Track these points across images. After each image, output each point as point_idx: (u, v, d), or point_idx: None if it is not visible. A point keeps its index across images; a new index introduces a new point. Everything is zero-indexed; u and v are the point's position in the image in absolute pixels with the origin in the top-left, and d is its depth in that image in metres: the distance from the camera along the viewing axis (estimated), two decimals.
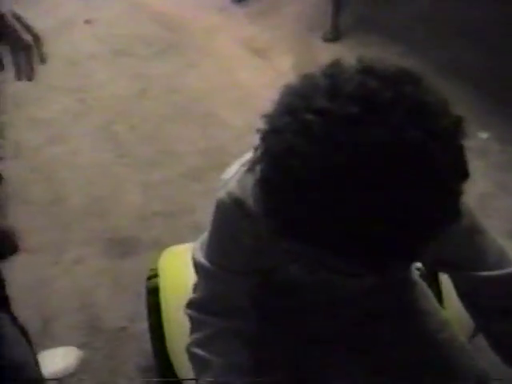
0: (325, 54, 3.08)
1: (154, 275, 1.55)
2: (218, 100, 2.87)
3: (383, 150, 0.65)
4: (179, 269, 1.39)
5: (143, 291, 1.92)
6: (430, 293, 1.24)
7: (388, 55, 2.97)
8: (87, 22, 3.54)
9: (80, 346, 1.83)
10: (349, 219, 0.67)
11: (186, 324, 1.10)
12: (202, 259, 1.03)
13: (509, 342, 0.95)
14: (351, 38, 3.25)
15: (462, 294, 1.01)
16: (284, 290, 1.12)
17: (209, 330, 1.03)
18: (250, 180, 0.84)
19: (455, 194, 0.72)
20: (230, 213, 0.95)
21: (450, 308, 1.29)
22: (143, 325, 1.87)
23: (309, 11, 3.47)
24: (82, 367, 1.78)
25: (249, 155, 0.85)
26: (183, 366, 1.25)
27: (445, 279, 1.25)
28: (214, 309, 1.03)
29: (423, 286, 1.24)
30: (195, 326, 1.06)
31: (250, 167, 0.78)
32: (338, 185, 0.66)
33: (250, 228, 0.93)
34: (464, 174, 0.73)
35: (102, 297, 2.00)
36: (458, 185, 0.72)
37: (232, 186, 0.95)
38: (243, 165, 0.94)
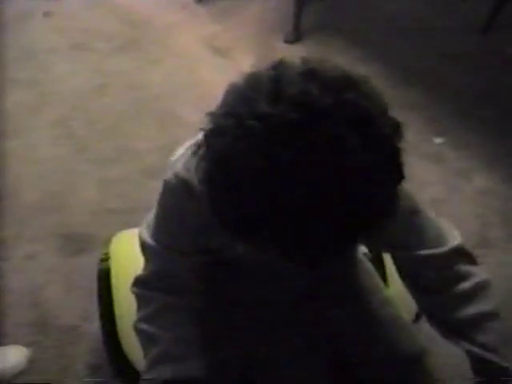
0: (285, 55, 3.04)
1: (105, 258, 1.54)
2: (177, 98, 2.86)
3: (322, 156, 0.67)
4: (131, 252, 1.38)
5: (95, 289, 1.90)
6: (373, 271, 1.30)
7: (349, 58, 3.00)
8: (46, 14, 3.49)
9: (30, 345, 1.80)
10: (285, 221, 0.69)
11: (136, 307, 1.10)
12: (147, 239, 1.06)
13: (446, 317, 0.99)
14: (312, 40, 3.27)
15: (404, 273, 1.05)
16: (231, 267, 1.14)
17: (155, 305, 1.04)
18: (193, 163, 0.88)
19: (390, 195, 0.74)
20: (176, 193, 0.98)
21: (394, 288, 1.32)
22: (95, 324, 1.86)
23: (271, 12, 3.48)
24: (32, 366, 1.75)
25: (195, 139, 0.87)
26: (134, 350, 1.25)
27: (389, 261, 1.28)
28: (160, 285, 1.04)
29: (367, 264, 1.30)
30: (142, 302, 1.06)
31: (195, 151, 0.79)
32: (276, 189, 0.68)
33: (196, 209, 0.93)
34: (400, 177, 0.75)
35: (54, 294, 1.97)
36: (393, 187, 0.74)
37: (179, 168, 0.97)
38: (189, 147, 0.97)
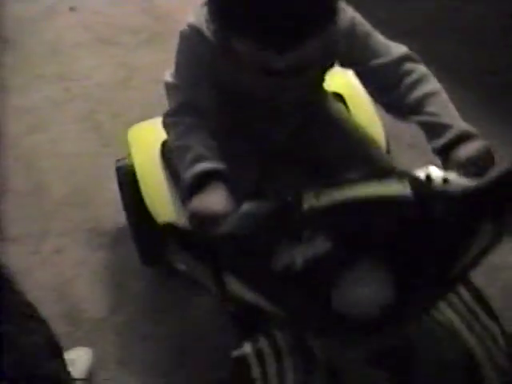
0: None
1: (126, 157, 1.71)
2: None
3: None
4: (150, 140, 1.45)
5: (123, 282, 1.91)
6: (343, 108, 1.67)
7: None
8: (72, 9, 3.51)
9: (60, 337, 1.81)
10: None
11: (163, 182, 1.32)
12: (170, 79, 1.29)
13: (400, 104, 1.26)
14: None
15: (365, 83, 1.35)
16: (238, 100, 1.37)
17: (184, 125, 1.23)
18: (203, 11, 1.22)
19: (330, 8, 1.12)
20: (190, 38, 1.26)
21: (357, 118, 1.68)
22: (123, 316, 1.87)
23: None
24: None
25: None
26: None
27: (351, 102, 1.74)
28: (186, 112, 1.24)
29: (338, 104, 1.63)
30: (173, 126, 1.25)
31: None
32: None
33: (207, 48, 1.23)
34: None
35: (82, 287, 1.98)
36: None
37: (191, 20, 1.26)
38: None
